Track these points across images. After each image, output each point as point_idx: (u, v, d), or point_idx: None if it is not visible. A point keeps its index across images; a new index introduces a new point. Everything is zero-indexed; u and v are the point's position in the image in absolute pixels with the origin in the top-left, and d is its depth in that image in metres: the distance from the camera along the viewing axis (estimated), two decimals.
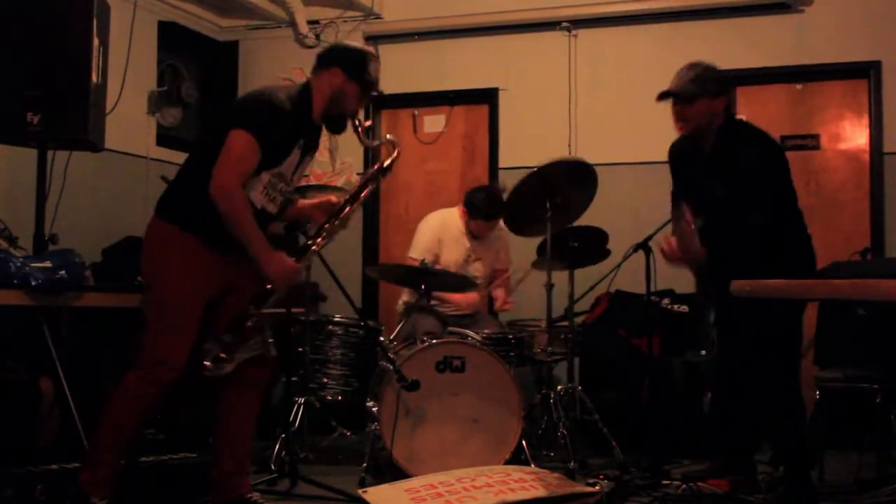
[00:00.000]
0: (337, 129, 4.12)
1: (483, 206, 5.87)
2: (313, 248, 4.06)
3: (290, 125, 3.88)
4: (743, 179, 4.32)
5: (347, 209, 4.09)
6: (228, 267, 3.91)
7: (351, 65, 4.02)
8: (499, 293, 6.07)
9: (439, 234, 6.05)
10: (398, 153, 4.17)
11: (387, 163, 4.16)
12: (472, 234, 6.02)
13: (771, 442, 4.75)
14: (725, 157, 4.44)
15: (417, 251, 5.95)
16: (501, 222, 5.94)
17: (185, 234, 3.81)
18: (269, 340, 3.93)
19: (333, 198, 4.25)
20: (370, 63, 4.06)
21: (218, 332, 3.85)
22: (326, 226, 4.07)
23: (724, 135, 4.50)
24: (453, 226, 6.12)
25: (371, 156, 7.70)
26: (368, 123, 4.16)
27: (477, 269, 6.00)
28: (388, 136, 4.21)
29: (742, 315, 4.36)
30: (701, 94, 4.44)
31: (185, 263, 3.80)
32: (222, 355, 3.79)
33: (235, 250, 3.85)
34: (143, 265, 3.92)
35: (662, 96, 4.52)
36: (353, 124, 4.08)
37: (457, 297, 5.93)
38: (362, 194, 4.12)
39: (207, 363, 3.77)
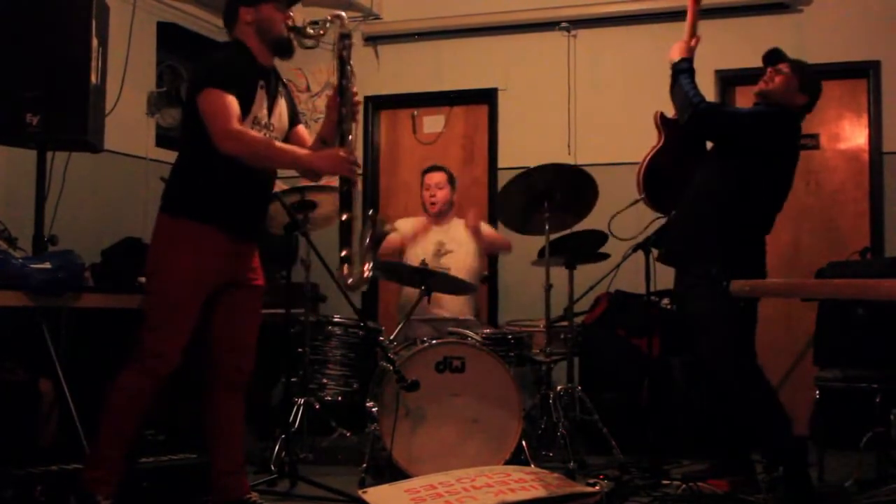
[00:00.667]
0: (285, 52, 4.04)
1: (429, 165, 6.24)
2: (343, 132, 3.96)
3: (240, 70, 3.84)
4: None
5: (348, 86, 4.00)
6: (237, 259, 3.93)
7: None
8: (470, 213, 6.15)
9: (407, 230, 6.21)
10: (346, 17, 4.10)
11: (344, 31, 4.06)
12: (440, 221, 6.20)
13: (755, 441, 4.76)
14: None
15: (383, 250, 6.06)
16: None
17: (193, 224, 3.81)
18: (379, 218, 3.93)
19: (328, 92, 4.19)
20: None
21: (248, 345, 4.01)
22: (343, 110, 3.98)
23: None
24: (418, 221, 6.27)
25: (370, 151, 7.71)
26: (307, 21, 4.07)
27: (451, 262, 6.02)
28: (328, 16, 4.12)
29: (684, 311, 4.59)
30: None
31: (191, 257, 3.80)
32: (344, 254, 3.82)
33: (246, 232, 3.91)
34: (148, 258, 3.91)
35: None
36: (294, 31, 4.00)
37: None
38: (348, 68, 4.02)
39: (346, 274, 3.80)
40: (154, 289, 3.85)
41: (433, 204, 6.20)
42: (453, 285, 5.62)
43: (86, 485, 3.73)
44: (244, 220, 3.94)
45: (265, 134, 3.92)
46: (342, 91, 3.99)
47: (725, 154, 4.61)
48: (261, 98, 3.91)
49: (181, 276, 3.80)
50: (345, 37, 4.06)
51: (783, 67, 4.63)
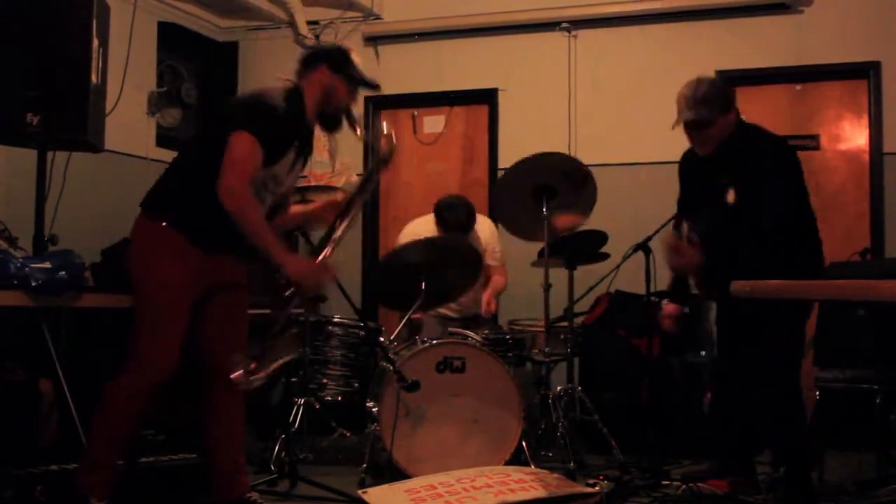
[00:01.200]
0: (332, 126, 4.12)
1: (452, 222, 5.88)
2: (331, 246, 4.01)
3: (286, 126, 3.89)
4: (755, 183, 4.29)
5: (357, 203, 4.09)
6: (214, 266, 3.90)
7: (336, 61, 4.08)
8: (485, 295, 6.07)
9: (412, 232, 6.13)
10: (395, 144, 4.18)
11: (384, 157, 4.15)
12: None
13: (771, 445, 4.74)
14: (736, 160, 4.39)
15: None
16: (481, 220, 6.12)
17: (172, 232, 3.80)
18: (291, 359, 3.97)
19: (340, 196, 4.27)
20: (353, 57, 4.13)
21: (241, 344, 3.92)
22: (337, 223, 4.05)
23: (735, 138, 4.46)
24: (427, 223, 6.18)
25: (371, 154, 7.71)
26: (360, 121, 4.16)
27: None
28: (384, 129, 4.20)
29: (748, 317, 4.35)
30: (716, 115, 4.40)
31: (173, 262, 3.79)
32: (252, 366, 3.75)
33: (220, 251, 3.87)
34: (132, 264, 3.89)
35: (684, 125, 4.45)
36: (349, 120, 4.09)
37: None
38: (367, 188, 4.16)
39: (237, 376, 3.71)
40: (141, 293, 3.83)
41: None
42: (452, 286, 5.57)
43: (80, 488, 3.73)
44: (218, 243, 3.88)
45: (272, 189, 3.94)
46: (351, 205, 4.08)
47: None
48: (289, 158, 3.95)
49: (166, 280, 3.78)
50: (385, 161, 4.14)
51: (698, 130, 4.46)
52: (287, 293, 3.88)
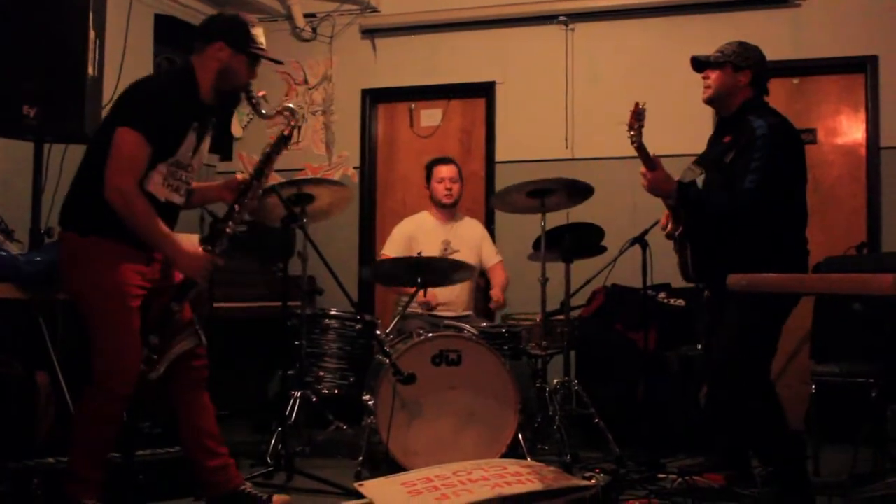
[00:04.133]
0: (231, 105, 4.06)
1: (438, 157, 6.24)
2: (227, 230, 3.91)
3: (179, 112, 3.79)
4: (751, 148, 4.31)
5: (256, 184, 4.01)
6: (152, 266, 3.87)
7: (235, 36, 3.92)
8: (494, 292, 6.09)
9: (411, 231, 6.20)
10: (297, 120, 4.11)
11: (286, 132, 4.09)
12: (446, 219, 6.24)
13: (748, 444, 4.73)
14: (743, 125, 4.44)
15: (390, 248, 6.17)
16: (472, 224, 6.27)
17: (103, 241, 3.72)
18: (199, 330, 3.90)
19: (240, 175, 4.13)
20: (253, 31, 3.95)
21: (143, 335, 3.79)
22: (237, 206, 3.96)
23: (750, 106, 4.53)
24: (426, 221, 6.27)
25: (368, 144, 7.71)
26: (263, 94, 4.04)
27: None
28: (283, 104, 4.14)
29: (725, 310, 4.38)
30: (725, 62, 4.52)
31: (114, 269, 3.72)
32: (154, 357, 3.77)
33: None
34: (71, 283, 3.81)
35: (692, 61, 4.62)
36: (248, 97, 3.98)
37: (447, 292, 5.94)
38: (267, 168, 4.04)
39: (141, 367, 3.74)
40: (91, 309, 3.74)
41: (449, 195, 6.19)
42: (450, 271, 5.56)
43: (68, 494, 3.70)
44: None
45: (183, 176, 3.88)
46: (252, 186, 4.00)
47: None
48: (190, 142, 3.85)
49: (108, 292, 3.71)
50: (286, 139, 4.10)
51: (709, 73, 4.58)
52: (181, 283, 3.86)
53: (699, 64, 4.62)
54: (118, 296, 3.71)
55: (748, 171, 4.26)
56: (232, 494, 4.00)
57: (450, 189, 6.18)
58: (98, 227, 3.72)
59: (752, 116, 4.42)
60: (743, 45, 4.58)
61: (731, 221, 4.33)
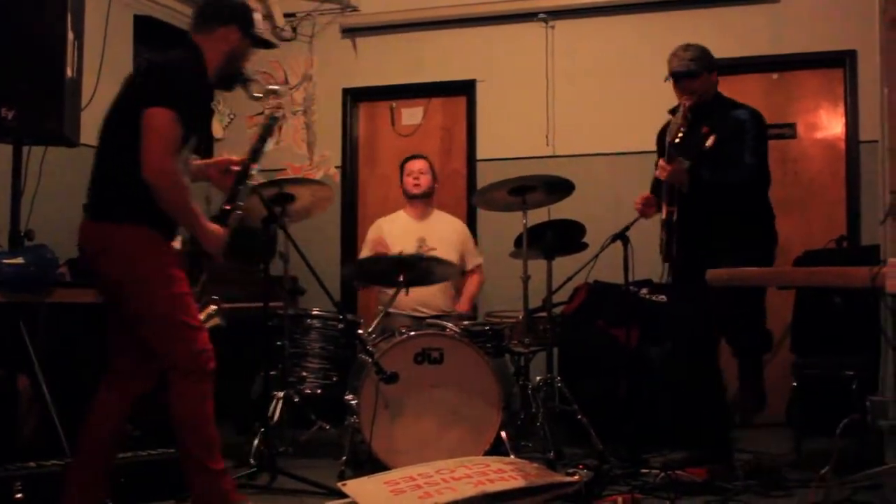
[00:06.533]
0: (228, 87, 4.01)
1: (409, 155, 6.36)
2: (237, 212, 3.90)
3: (203, 96, 3.78)
4: (735, 132, 4.81)
5: (253, 165, 4.00)
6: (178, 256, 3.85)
7: (246, 21, 3.91)
8: (460, 306, 6.17)
9: (383, 230, 6.26)
10: (282, 101, 4.12)
11: (277, 113, 4.11)
12: (421, 215, 6.28)
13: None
14: (718, 113, 4.93)
15: (364, 251, 6.27)
16: (454, 223, 6.33)
17: (143, 230, 3.67)
18: (218, 309, 3.90)
19: (236, 158, 4.08)
20: (255, 15, 3.96)
21: None
22: (240, 188, 3.95)
23: (716, 99, 5.03)
24: (399, 219, 6.33)
25: (349, 143, 7.71)
26: (256, 78, 4.06)
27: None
28: (269, 86, 4.13)
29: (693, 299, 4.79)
30: (703, 69, 4.94)
31: (166, 257, 3.71)
32: None
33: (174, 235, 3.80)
34: (129, 274, 3.68)
35: (675, 76, 4.94)
36: (242, 80, 3.99)
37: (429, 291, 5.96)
38: (261, 149, 4.04)
39: None
40: (153, 299, 3.65)
41: (417, 185, 6.24)
42: (433, 272, 5.59)
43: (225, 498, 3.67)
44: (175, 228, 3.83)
45: (185, 157, 3.82)
46: (249, 168, 3.98)
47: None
48: (198, 127, 3.81)
49: (170, 276, 3.67)
50: (277, 119, 4.11)
51: (687, 81, 4.94)
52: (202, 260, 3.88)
53: (682, 76, 4.92)
54: (178, 279, 3.69)
55: (745, 150, 4.80)
56: None
57: (417, 179, 6.24)
58: (143, 217, 3.65)
59: (730, 106, 4.96)
60: (703, 49, 5.00)
61: (738, 192, 4.80)
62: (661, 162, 4.82)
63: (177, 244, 3.90)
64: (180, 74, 3.69)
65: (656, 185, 5.02)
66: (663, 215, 4.88)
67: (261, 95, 4.05)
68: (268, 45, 4.06)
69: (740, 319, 4.95)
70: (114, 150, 3.76)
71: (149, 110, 3.56)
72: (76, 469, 3.75)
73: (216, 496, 3.66)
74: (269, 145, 4.09)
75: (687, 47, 4.97)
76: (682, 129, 4.79)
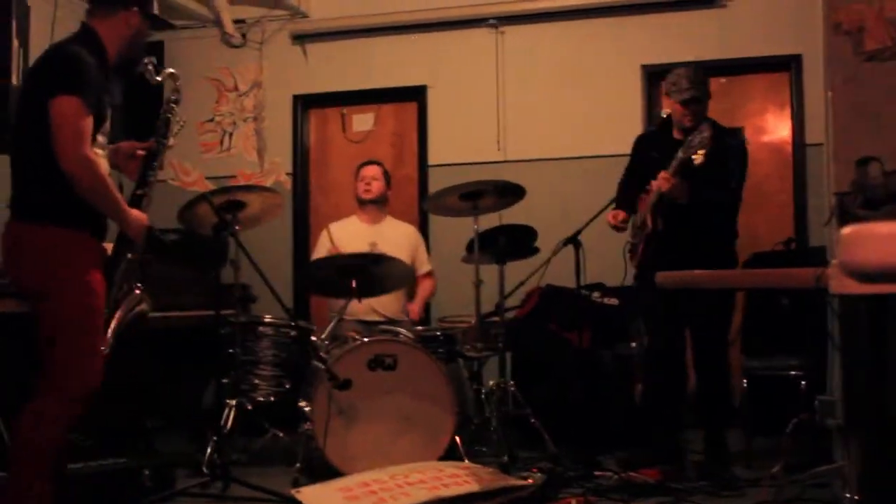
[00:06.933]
0: (128, 72, 3.92)
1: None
2: (146, 196, 3.86)
3: (101, 77, 3.65)
4: (722, 153, 4.93)
5: (163, 148, 3.97)
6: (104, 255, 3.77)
7: (148, 3, 3.86)
8: (413, 306, 6.17)
9: (333, 233, 6.24)
10: (180, 83, 4.10)
11: (174, 96, 4.07)
12: (373, 220, 6.29)
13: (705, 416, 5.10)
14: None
15: (315, 253, 6.28)
16: (406, 228, 6.36)
17: (69, 233, 3.58)
18: (140, 293, 3.84)
19: (144, 145, 3.99)
20: None
21: None
22: (151, 171, 3.91)
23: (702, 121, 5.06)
24: (350, 224, 6.34)
25: (300, 150, 7.69)
26: (152, 59, 4.01)
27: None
28: (167, 70, 4.09)
29: (702, 303, 4.87)
30: (708, 94, 5.15)
31: (91, 266, 3.61)
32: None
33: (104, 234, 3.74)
34: (41, 277, 3.58)
35: (695, 101, 5.05)
36: (143, 63, 3.92)
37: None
38: (168, 131, 4.00)
39: None
40: (63, 306, 3.54)
41: (368, 191, 6.25)
42: (385, 277, 5.57)
43: None
44: (103, 223, 3.75)
45: (100, 148, 3.77)
46: (160, 153, 3.95)
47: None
48: (106, 113, 3.74)
49: (90, 285, 3.58)
50: (177, 101, 4.07)
51: (699, 105, 5.09)
52: (114, 254, 3.78)
53: (695, 101, 5.05)
54: (91, 292, 3.58)
55: (728, 175, 5.02)
56: None
57: (369, 185, 6.26)
58: (66, 218, 3.57)
59: (721, 130, 5.07)
60: (705, 73, 5.21)
61: (717, 212, 5.02)
62: (665, 174, 4.85)
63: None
64: (80, 60, 3.58)
65: (626, 194, 5.27)
66: (649, 225, 5.01)
67: (160, 80, 4.01)
68: (163, 22, 4.06)
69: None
70: (27, 146, 3.65)
71: (54, 100, 3.47)
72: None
73: None
74: (175, 129, 4.06)
75: (696, 71, 5.12)
76: (705, 149, 4.78)
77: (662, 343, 5.09)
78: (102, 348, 3.64)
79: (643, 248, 5.08)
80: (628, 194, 5.27)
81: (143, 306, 3.84)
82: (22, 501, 3.49)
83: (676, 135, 5.11)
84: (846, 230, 2.69)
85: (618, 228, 5.25)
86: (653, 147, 5.25)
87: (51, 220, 3.59)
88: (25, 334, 3.70)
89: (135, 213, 3.75)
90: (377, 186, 6.26)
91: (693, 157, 4.73)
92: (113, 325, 3.72)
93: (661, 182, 4.85)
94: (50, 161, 3.50)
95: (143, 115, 4.19)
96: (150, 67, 3.92)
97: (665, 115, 5.34)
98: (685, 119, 5.05)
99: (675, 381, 5.09)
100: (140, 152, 3.97)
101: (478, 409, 5.32)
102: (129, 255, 3.78)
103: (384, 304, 6.00)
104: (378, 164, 6.39)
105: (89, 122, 3.51)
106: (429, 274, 6.34)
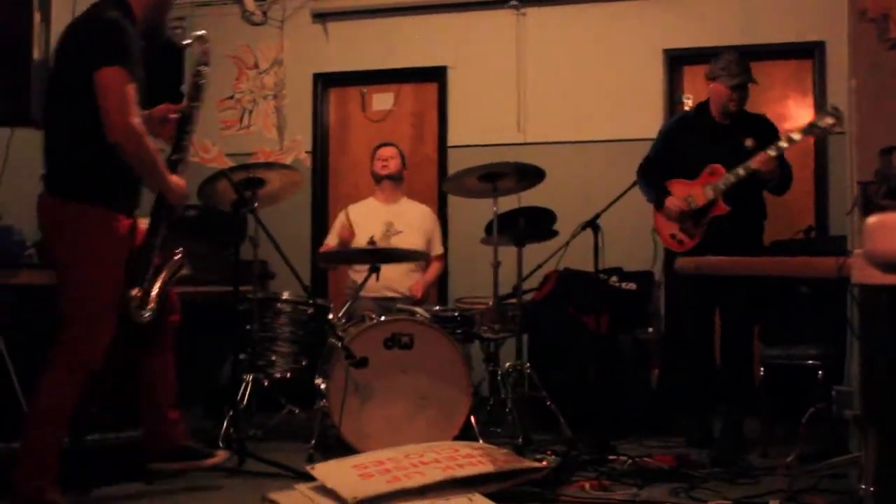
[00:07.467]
0: (155, 41, 3.89)
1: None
2: (183, 162, 3.94)
3: (139, 45, 3.68)
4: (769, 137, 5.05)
5: (196, 114, 4.02)
6: (132, 235, 3.84)
7: None
8: (416, 285, 6.19)
9: (353, 217, 6.25)
10: (209, 45, 4.10)
11: (204, 59, 4.11)
12: (390, 200, 6.34)
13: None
14: (751, 119, 5.30)
15: (332, 238, 6.32)
16: (423, 211, 6.34)
17: (95, 209, 3.65)
18: (180, 257, 3.90)
19: (175, 108, 4.07)
20: None
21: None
22: (185, 136, 3.97)
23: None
24: (368, 204, 6.38)
25: (319, 128, 7.68)
26: (182, 22, 4.04)
27: (400, 242, 6.10)
28: (195, 32, 4.10)
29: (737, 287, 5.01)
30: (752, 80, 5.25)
31: (107, 239, 3.68)
32: (144, 293, 3.78)
33: (134, 209, 3.83)
34: (65, 250, 3.69)
35: (744, 86, 5.19)
36: (171, 27, 4.00)
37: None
38: (199, 94, 4.06)
39: (135, 308, 3.75)
40: (77, 278, 3.66)
41: (385, 167, 6.32)
42: (403, 258, 5.63)
43: (30, 490, 3.59)
44: (136, 200, 3.84)
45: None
46: (192, 115, 3.99)
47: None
48: (142, 78, 3.75)
49: (107, 267, 3.67)
50: (206, 63, 4.09)
51: (747, 89, 5.25)
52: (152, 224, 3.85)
53: (745, 86, 5.20)
54: (114, 271, 3.68)
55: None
56: (181, 448, 4.08)
57: (386, 161, 6.32)
58: (97, 195, 3.65)
59: (756, 115, 5.35)
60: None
61: (762, 195, 5.30)
62: (766, 155, 4.94)
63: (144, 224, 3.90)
64: (122, 28, 3.61)
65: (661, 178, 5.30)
66: (725, 207, 5.07)
67: (190, 42, 4.03)
68: None
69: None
70: (64, 120, 3.71)
71: (100, 71, 3.50)
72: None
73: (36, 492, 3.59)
74: (206, 90, 4.10)
75: (741, 57, 5.23)
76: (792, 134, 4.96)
77: (692, 322, 5.22)
78: (143, 313, 3.75)
79: (704, 230, 5.12)
80: (664, 178, 5.30)
81: (185, 271, 3.91)
82: (31, 470, 3.59)
83: (719, 119, 5.23)
84: (871, 220, 2.66)
85: (678, 214, 5.21)
86: (692, 131, 5.30)
87: (86, 199, 3.65)
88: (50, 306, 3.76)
89: (177, 181, 3.82)
90: (394, 164, 6.32)
91: (794, 136, 4.91)
92: (156, 290, 3.80)
93: (763, 160, 4.93)
94: (87, 135, 3.56)
95: (160, 81, 4.16)
96: (178, 31, 3.93)
97: (688, 99, 5.35)
98: (731, 103, 5.17)
99: (709, 366, 5.17)
100: (173, 115, 4.01)
101: (494, 391, 5.32)
102: (167, 223, 3.86)
103: (400, 281, 6.02)
104: (394, 145, 6.43)
105: (134, 91, 3.56)
106: (439, 257, 6.35)
